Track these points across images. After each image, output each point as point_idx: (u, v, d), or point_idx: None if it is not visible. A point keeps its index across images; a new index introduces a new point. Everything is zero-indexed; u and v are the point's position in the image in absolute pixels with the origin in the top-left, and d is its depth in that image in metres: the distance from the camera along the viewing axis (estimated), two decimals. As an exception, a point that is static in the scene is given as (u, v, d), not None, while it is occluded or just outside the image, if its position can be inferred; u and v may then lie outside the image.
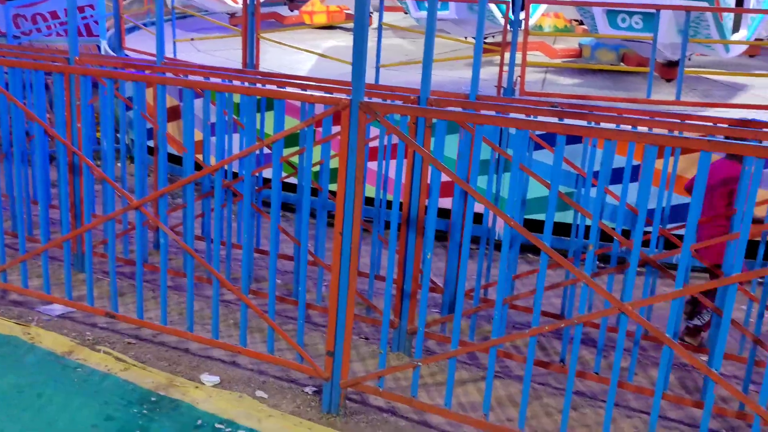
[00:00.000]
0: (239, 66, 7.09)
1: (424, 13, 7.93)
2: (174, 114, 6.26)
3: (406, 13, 11.34)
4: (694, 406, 3.70)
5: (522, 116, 3.81)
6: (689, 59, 7.03)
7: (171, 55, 7.40)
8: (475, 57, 4.47)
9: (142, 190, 4.60)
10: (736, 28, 6.93)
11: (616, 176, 4.73)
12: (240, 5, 10.24)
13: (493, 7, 7.66)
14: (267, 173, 4.98)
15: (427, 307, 3.50)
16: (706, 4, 5.66)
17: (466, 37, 8.56)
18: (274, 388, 3.77)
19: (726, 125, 3.91)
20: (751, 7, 7.00)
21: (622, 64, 8.16)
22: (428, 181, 3.58)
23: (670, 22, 5.86)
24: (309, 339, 4.23)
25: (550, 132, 3.21)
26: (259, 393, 3.71)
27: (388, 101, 4.19)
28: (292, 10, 11.52)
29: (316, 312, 4.64)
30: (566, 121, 3.68)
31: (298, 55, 8.37)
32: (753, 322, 3.83)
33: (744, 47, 7.70)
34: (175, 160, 5.65)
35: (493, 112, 4.01)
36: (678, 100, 6.25)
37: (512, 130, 4.36)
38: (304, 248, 3.81)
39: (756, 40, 7.95)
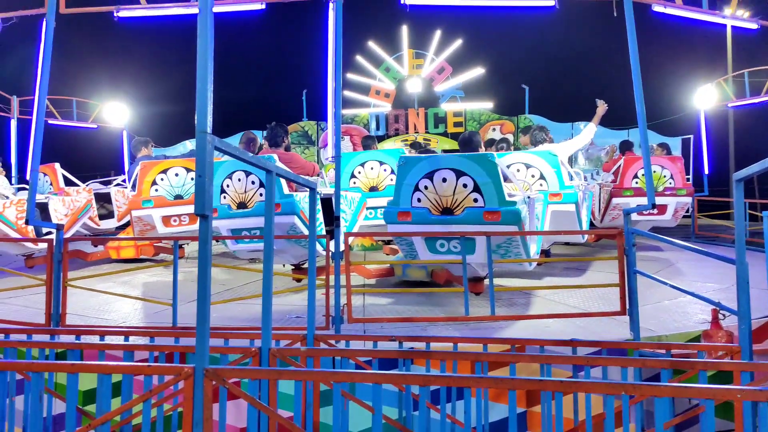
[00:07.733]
0: (42, 316, 6.37)
1: (241, 246, 7.97)
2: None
3: (217, 241, 11.33)
4: None
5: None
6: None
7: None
8: (309, 296, 4.52)
9: None
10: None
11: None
12: (38, 245, 9.55)
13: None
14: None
15: None
16: (515, 228, 6.19)
17: (284, 265, 8.68)
18: None
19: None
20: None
21: (431, 280, 8.71)
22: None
23: (485, 244, 6.28)
24: None
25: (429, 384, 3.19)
26: None
27: (234, 365, 3.94)
28: (95, 245, 10.95)
29: None
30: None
31: (103, 296, 7.82)
32: None
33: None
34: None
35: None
36: (492, 315, 6.71)
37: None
38: None
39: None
